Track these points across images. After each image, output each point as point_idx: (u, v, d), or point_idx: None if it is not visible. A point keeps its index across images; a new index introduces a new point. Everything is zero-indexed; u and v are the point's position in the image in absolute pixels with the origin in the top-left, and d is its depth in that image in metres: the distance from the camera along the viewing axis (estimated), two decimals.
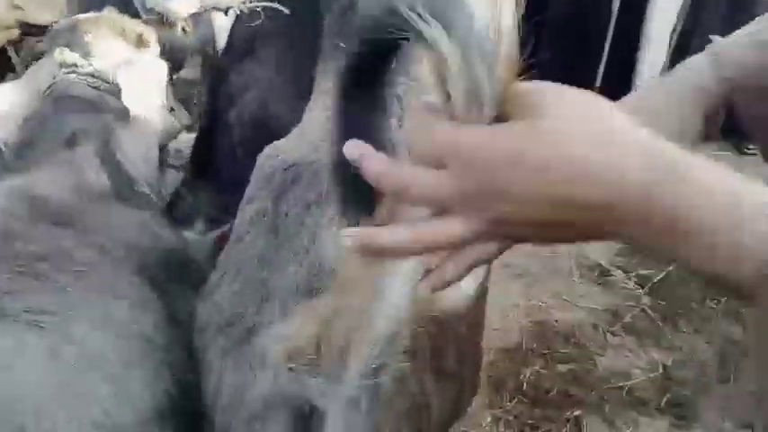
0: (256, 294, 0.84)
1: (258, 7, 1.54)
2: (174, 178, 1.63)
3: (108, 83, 1.27)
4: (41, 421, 0.69)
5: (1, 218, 0.92)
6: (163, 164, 1.92)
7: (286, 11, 1.53)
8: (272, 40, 1.60)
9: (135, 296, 0.92)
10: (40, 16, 1.54)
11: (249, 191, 0.96)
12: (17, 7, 1.49)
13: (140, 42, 1.42)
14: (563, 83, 0.44)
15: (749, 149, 2.97)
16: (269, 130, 1.62)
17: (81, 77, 1.24)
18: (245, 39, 1.58)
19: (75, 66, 1.23)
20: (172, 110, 1.58)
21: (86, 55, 1.29)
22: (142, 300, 0.92)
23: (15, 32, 1.44)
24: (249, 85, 1.63)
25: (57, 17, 1.55)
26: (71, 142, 1.14)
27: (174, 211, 1.60)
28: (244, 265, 0.88)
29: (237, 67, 1.65)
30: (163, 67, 1.53)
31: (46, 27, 1.45)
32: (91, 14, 1.41)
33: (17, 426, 0.67)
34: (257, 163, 0.98)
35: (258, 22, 1.54)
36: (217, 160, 1.67)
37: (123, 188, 1.18)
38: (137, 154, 1.28)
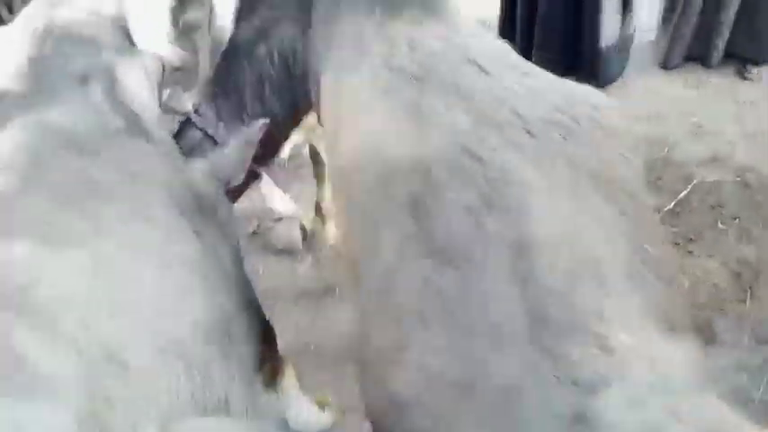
0: None
1: None
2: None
3: (104, 16, 1.22)
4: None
5: (27, 150, 0.90)
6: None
7: None
8: None
9: (168, 222, 0.90)
10: None
11: None
12: None
13: None
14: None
15: (749, 75, 2.95)
16: (297, 68, 1.63)
17: (77, 12, 1.19)
18: None
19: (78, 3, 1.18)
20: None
21: None
22: (176, 227, 0.91)
23: None
24: (280, 20, 1.59)
25: None
26: (83, 81, 1.10)
27: (182, 141, 1.58)
28: None
29: (268, 1, 1.60)
30: None
31: None
32: None
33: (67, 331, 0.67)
34: None
35: None
36: (241, 93, 1.64)
37: (135, 128, 1.15)
38: (141, 92, 1.24)
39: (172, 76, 1.73)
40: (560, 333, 0.68)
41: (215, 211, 1.09)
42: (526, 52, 2.78)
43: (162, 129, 1.24)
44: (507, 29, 3.02)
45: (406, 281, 0.79)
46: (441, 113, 0.89)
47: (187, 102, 2.05)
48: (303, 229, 2.52)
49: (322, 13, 1.33)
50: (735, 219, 2.28)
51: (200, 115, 1.66)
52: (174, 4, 1.41)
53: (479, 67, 0.95)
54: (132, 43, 1.28)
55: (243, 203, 2.02)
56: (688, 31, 2.92)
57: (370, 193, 0.89)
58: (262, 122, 1.47)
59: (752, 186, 2.44)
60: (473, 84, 0.92)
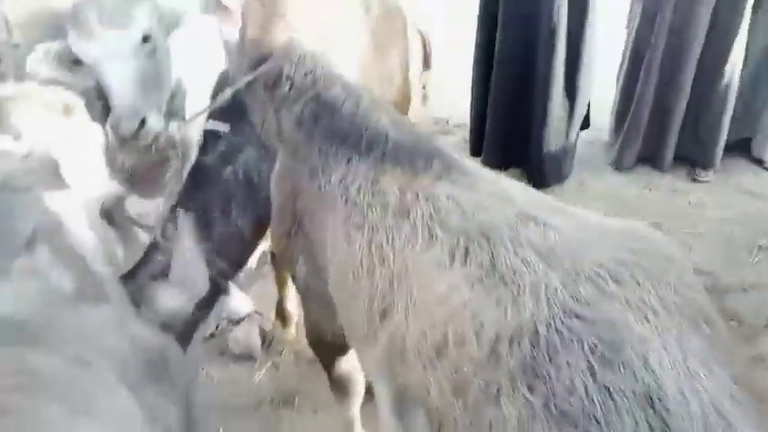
0: None
1: None
2: (143, 238, 1.58)
3: (45, 161, 1.20)
4: None
5: None
6: (124, 225, 1.89)
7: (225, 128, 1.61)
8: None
9: (117, 409, 0.86)
10: None
11: None
12: None
13: (67, 110, 1.36)
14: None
15: (701, 177, 3.09)
16: (262, 186, 1.65)
17: (17, 164, 1.17)
18: (235, 102, 1.57)
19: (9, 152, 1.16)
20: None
21: (17, 137, 1.22)
22: (126, 413, 0.87)
23: None
24: (244, 145, 1.65)
25: None
26: (30, 244, 1.07)
27: (147, 267, 1.57)
28: None
29: (234, 126, 1.66)
30: (97, 130, 1.48)
31: None
32: (9, 90, 1.33)
33: None
34: None
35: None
36: (208, 212, 1.67)
37: (88, 286, 1.12)
38: (86, 237, 1.22)
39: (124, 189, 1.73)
40: None
41: (166, 370, 1.04)
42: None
43: (108, 276, 1.19)
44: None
45: None
46: (523, 273, 0.87)
47: (146, 206, 2.05)
48: (263, 331, 2.45)
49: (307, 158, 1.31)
50: None
51: (165, 239, 1.65)
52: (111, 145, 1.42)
53: (534, 218, 0.95)
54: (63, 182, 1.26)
55: None
56: (639, 135, 3.08)
57: (475, 366, 0.84)
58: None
59: (708, 289, 2.48)
60: (539, 236, 0.91)
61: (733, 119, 2.97)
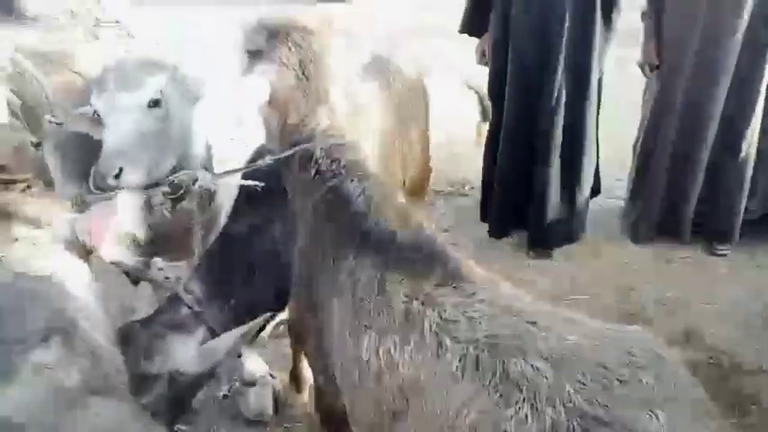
0: None
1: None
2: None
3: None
4: None
5: None
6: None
7: (260, 185, 1.68)
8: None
9: None
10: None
11: None
12: None
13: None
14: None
15: (719, 250, 3.08)
16: (286, 261, 1.70)
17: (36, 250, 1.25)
18: (271, 177, 1.66)
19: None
20: None
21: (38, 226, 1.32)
22: None
23: None
24: (273, 220, 1.77)
25: None
26: (45, 339, 1.12)
27: (169, 315, 1.65)
28: None
29: (267, 201, 1.76)
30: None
31: None
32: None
33: None
34: None
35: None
36: (232, 280, 1.76)
37: (97, 378, 1.16)
38: (98, 320, 1.28)
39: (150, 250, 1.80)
40: None
41: None
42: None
43: (116, 367, 1.24)
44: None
45: None
46: (535, 379, 0.92)
47: (173, 271, 2.13)
48: (276, 394, 2.46)
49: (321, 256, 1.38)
50: None
51: (189, 293, 1.72)
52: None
53: (536, 324, 1.00)
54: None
55: None
56: (655, 208, 3.11)
57: None
58: (263, 317, 1.54)
59: (726, 369, 2.46)
60: (545, 343, 0.96)
61: (753, 193, 2.98)
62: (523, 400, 0.90)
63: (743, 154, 2.89)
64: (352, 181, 1.36)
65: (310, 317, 1.43)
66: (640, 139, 3.16)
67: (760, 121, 2.87)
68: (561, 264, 3.11)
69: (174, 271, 2.00)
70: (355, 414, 1.24)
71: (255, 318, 1.79)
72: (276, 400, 2.44)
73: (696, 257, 3.10)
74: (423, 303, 1.09)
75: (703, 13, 2.71)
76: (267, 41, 1.42)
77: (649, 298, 2.82)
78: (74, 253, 1.40)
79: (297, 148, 1.43)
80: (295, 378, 2.42)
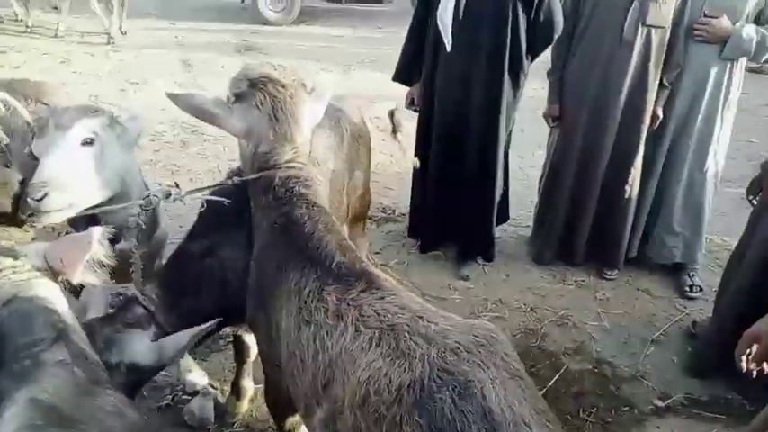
0: None
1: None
2: None
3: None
4: None
5: None
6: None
7: (227, 202, 1.89)
8: (245, 215, 1.93)
9: None
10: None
11: None
12: None
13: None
14: None
15: (607, 275, 3.59)
16: (231, 282, 1.96)
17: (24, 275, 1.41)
18: (224, 208, 1.90)
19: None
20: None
21: (17, 257, 1.43)
22: None
23: None
24: (225, 243, 1.97)
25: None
26: (56, 340, 1.32)
27: (126, 314, 1.83)
28: None
29: (218, 227, 1.98)
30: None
31: None
32: None
33: None
34: None
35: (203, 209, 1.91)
36: (182, 290, 1.94)
37: (92, 374, 1.36)
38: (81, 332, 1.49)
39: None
40: None
41: None
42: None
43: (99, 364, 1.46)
44: None
45: None
46: (414, 349, 1.35)
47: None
48: (216, 403, 2.66)
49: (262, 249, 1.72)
50: (593, 407, 2.70)
51: (145, 296, 1.92)
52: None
53: (421, 318, 1.43)
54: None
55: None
56: (556, 237, 3.59)
57: (387, 406, 1.30)
58: (211, 323, 1.77)
59: (607, 377, 2.91)
60: (424, 329, 1.39)
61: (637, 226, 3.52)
62: (406, 361, 1.33)
63: (626, 195, 3.41)
64: (300, 208, 1.69)
65: (262, 315, 1.73)
66: (544, 177, 3.64)
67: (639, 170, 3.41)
68: (476, 285, 3.52)
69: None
70: (297, 390, 1.57)
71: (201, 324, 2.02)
72: (217, 408, 2.65)
73: (588, 281, 3.60)
74: (348, 304, 1.48)
75: (597, 74, 3.21)
76: (248, 88, 1.74)
77: (546, 316, 3.27)
78: (46, 277, 1.56)
79: (260, 174, 1.74)
80: (236, 388, 2.64)
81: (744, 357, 1.64)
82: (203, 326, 1.83)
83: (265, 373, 1.91)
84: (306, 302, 1.53)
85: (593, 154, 3.35)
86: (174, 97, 1.79)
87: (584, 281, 3.59)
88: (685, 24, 3.11)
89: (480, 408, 1.21)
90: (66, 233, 1.88)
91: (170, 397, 2.71)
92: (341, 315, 1.46)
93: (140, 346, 1.81)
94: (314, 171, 1.88)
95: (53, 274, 1.54)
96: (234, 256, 1.95)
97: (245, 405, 2.65)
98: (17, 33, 8.04)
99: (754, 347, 1.61)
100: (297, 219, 1.67)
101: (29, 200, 1.73)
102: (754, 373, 1.64)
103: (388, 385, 1.30)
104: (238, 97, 1.76)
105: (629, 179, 3.38)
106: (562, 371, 2.90)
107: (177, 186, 1.95)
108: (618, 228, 3.50)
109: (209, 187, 1.97)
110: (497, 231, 3.89)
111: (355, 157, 2.59)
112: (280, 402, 1.87)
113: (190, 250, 2.01)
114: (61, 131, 1.91)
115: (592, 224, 3.53)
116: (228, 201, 1.90)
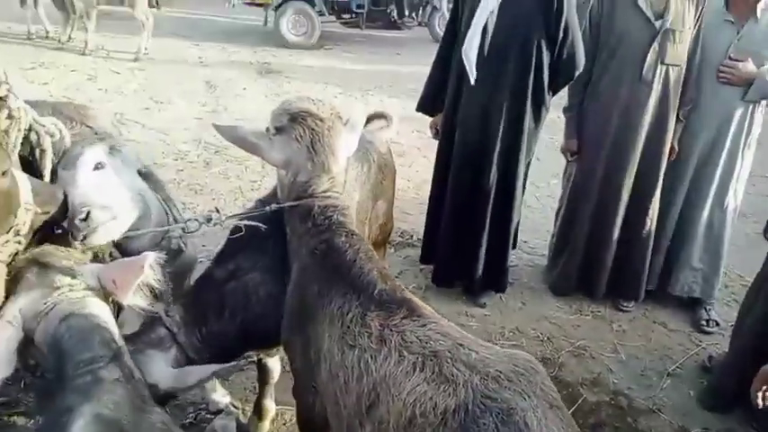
0: None
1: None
2: None
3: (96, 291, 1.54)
4: None
5: None
6: None
7: (263, 227, 1.94)
8: (273, 240, 1.99)
9: None
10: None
11: None
12: (45, 212, 1.73)
13: (81, 259, 1.65)
14: None
15: (624, 307, 3.63)
16: (255, 306, 2.01)
17: (80, 293, 1.50)
18: (252, 233, 1.97)
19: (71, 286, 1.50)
20: None
21: (74, 276, 1.53)
22: None
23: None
24: (252, 269, 2.02)
25: None
26: (113, 359, 1.40)
27: (149, 333, 1.88)
28: None
29: (244, 251, 2.03)
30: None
31: None
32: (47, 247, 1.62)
33: None
34: None
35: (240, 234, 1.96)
36: (205, 313, 1.99)
37: (140, 393, 1.44)
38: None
39: None
40: None
41: None
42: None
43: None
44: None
45: None
46: (457, 375, 1.42)
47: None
48: (238, 423, 2.71)
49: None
50: None
51: (168, 316, 1.98)
52: None
53: (461, 345, 1.50)
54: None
55: None
56: (575, 268, 3.63)
57: (432, 428, 1.38)
58: (237, 363, 1.83)
59: (624, 409, 2.94)
60: (465, 356, 1.47)
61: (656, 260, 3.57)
62: (450, 386, 1.40)
63: (645, 229, 3.47)
64: (341, 236, 1.76)
65: (299, 338, 1.79)
66: (562, 209, 3.69)
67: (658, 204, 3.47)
68: (493, 313, 3.56)
69: None
70: (338, 410, 1.62)
71: (222, 348, 2.03)
72: (239, 428, 2.70)
73: (604, 312, 3.63)
74: (391, 330, 1.55)
75: (618, 110, 3.28)
76: (288, 122, 1.83)
77: (563, 346, 3.31)
78: (98, 297, 1.64)
79: (300, 202, 1.82)
80: (259, 408, 2.69)
81: (760, 394, 1.68)
82: (229, 364, 1.89)
83: (298, 394, 1.96)
84: (349, 327, 1.60)
85: (614, 188, 3.41)
86: (218, 129, 1.88)
87: (600, 312, 3.63)
88: (697, 62, 3.20)
89: None
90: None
91: (193, 415, 2.76)
92: (384, 340, 1.53)
93: (160, 367, 1.86)
94: (347, 200, 1.96)
95: (104, 294, 1.62)
96: (258, 282, 2.00)
97: (266, 426, 2.69)
98: (47, 49, 8.28)
99: None
100: (338, 246, 1.74)
101: (76, 222, 1.81)
102: None
103: (433, 408, 1.37)
104: (279, 130, 1.85)
105: (650, 213, 3.44)
106: (579, 402, 2.92)
107: (218, 211, 2.03)
108: (639, 262, 3.54)
109: (247, 213, 2.04)
110: (513, 259, 3.95)
111: (379, 188, 2.66)
112: (312, 423, 1.92)
113: (215, 275, 2.06)
114: (73, 162, 1.98)
115: (612, 256, 3.57)
116: (265, 227, 1.97)
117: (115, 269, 1.64)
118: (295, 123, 1.82)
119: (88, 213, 1.86)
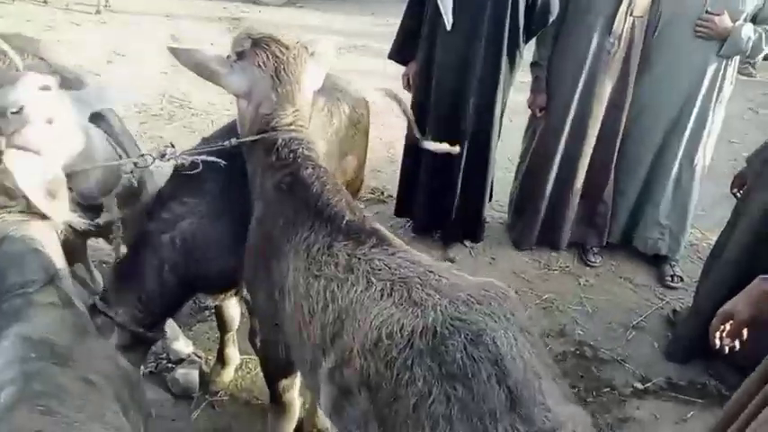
0: None
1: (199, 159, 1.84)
2: None
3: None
4: None
5: (18, 365, 1.11)
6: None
7: (223, 163, 1.84)
8: (213, 182, 1.92)
9: (117, 424, 1.14)
10: None
11: None
12: None
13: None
14: None
15: (591, 262, 3.65)
16: (199, 257, 1.92)
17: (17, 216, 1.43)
18: (187, 176, 1.87)
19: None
20: None
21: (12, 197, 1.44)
22: (122, 427, 1.16)
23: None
24: (186, 214, 1.91)
25: None
26: (49, 283, 1.32)
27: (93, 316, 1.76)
28: None
29: (179, 198, 1.93)
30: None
31: None
32: None
33: None
34: None
35: (197, 170, 1.84)
36: (142, 278, 1.90)
37: (81, 320, 1.37)
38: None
39: None
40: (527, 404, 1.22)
41: (140, 396, 1.35)
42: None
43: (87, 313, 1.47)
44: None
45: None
46: (426, 299, 1.38)
47: None
48: (201, 372, 2.65)
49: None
50: (575, 388, 2.75)
51: (105, 302, 1.89)
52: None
53: (432, 272, 1.46)
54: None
55: None
56: (537, 222, 3.64)
57: (399, 350, 1.34)
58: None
59: (589, 359, 2.97)
60: (436, 282, 1.43)
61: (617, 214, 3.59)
62: (418, 308, 1.36)
63: (611, 177, 3.48)
64: (307, 169, 1.68)
65: (263, 273, 1.72)
66: (525, 164, 3.65)
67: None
68: (462, 268, 3.51)
69: None
70: (302, 345, 1.58)
71: (165, 307, 1.99)
72: (201, 377, 2.64)
73: (572, 267, 3.65)
74: (359, 259, 1.50)
75: (587, 64, 3.23)
76: (251, 47, 1.71)
77: (531, 300, 3.31)
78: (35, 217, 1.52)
79: (263, 135, 1.72)
80: (222, 357, 2.63)
81: (717, 333, 1.69)
82: None
83: (261, 334, 1.91)
84: (315, 258, 1.55)
85: (579, 143, 3.40)
86: (175, 51, 1.76)
87: (568, 267, 3.65)
88: (664, 15, 3.17)
89: (491, 354, 1.25)
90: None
91: (154, 364, 2.69)
92: (352, 268, 1.48)
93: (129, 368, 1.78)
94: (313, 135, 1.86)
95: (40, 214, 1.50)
96: (195, 226, 1.91)
97: (230, 374, 2.64)
98: None
99: (728, 325, 1.65)
100: (304, 179, 1.66)
101: (7, 115, 1.62)
102: (726, 349, 1.68)
103: (400, 330, 1.33)
104: (240, 55, 1.74)
105: (613, 162, 3.46)
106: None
107: (173, 146, 1.92)
108: (601, 209, 3.57)
109: (204, 148, 1.93)
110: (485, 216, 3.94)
111: (349, 142, 2.58)
112: (274, 363, 1.87)
113: (148, 228, 1.94)
114: (14, 78, 1.79)
115: (575, 208, 3.58)
116: (224, 162, 1.87)
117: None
118: (258, 49, 1.72)
119: (22, 108, 1.66)
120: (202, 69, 1.75)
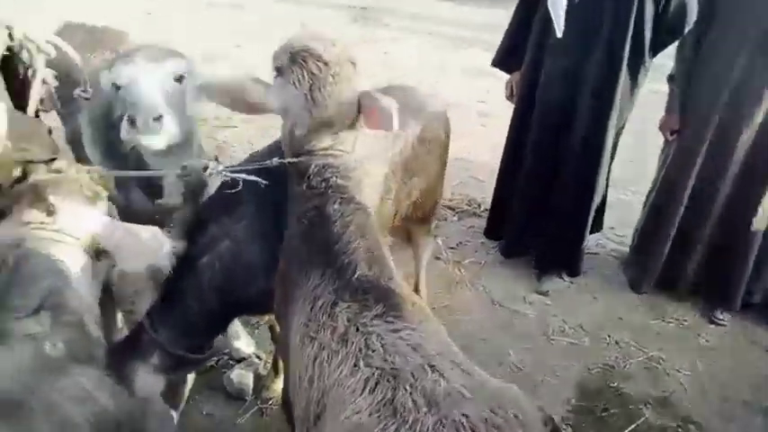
0: None
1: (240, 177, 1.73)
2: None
3: (73, 237, 1.40)
4: None
5: None
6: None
7: (263, 183, 1.69)
8: (249, 204, 1.82)
9: None
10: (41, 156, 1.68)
11: None
12: (22, 149, 1.62)
13: (95, 197, 1.54)
14: None
15: (719, 320, 3.08)
16: (236, 280, 1.83)
17: (48, 233, 1.38)
18: (227, 197, 1.78)
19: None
20: None
21: (50, 213, 1.41)
22: None
23: (19, 171, 1.54)
24: (224, 237, 1.84)
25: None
26: (37, 311, 1.26)
27: (135, 344, 1.78)
28: None
29: (217, 220, 1.86)
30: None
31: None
32: (50, 175, 1.51)
33: None
34: None
35: (238, 188, 1.73)
36: (184, 299, 1.84)
37: (81, 348, 1.30)
38: (85, 292, 1.41)
39: None
40: None
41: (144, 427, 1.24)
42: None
43: (98, 338, 1.38)
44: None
45: None
46: (410, 411, 1.13)
47: None
48: (258, 375, 2.60)
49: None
50: None
51: (151, 320, 1.84)
52: None
53: (433, 368, 1.20)
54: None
55: None
56: (659, 262, 3.13)
57: None
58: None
59: None
60: (431, 384, 1.17)
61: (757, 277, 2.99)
62: (394, 423, 1.11)
63: (753, 225, 2.89)
64: (333, 203, 1.50)
65: (283, 310, 1.58)
66: (653, 194, 3.17)
67: None
68: (555, 304, 3.16)
69: None
70: (296, 404, 1.42)
71: (209, 331, 1.93)
72: (258, 380, 2.59)
73: (692, 321, 3.10)
74: (357, 329, 1.29)
75: (732, 81, 2.71)
76: (288, 62, 1.54)
77: (634, 354, 2.86)
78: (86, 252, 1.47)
79: (295, 159, 1.56)
80: (276, 366, 2.55)
81: None
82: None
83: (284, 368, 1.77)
84: (316, 315, 1.37)
85: (715, 176, 2.87)
86: (208, 88, 1.67)
87: (686, 320, 3.11)
88: None
89: None
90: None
91: (215, 360, 2.68)
92: (347, 341, 1.28)
93: (144, 383, 1.77)
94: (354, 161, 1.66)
95: (95, 252, 1.48)
96: (233, 249, 1.83)
97: (281, 384, 2.56)
98: None
99: None
100: (328, 215, 1.48)
101: (148, 122, 1.73)
102: None
103: None
104: (279, 71, 1.57)
105: (759, 207, 2.86)
106: (638, 423, 2.51)
107: (217, 160, 1.84)
108: (737, 262, 2.99)
109: (246, 166, 1.82)
110: (595, 246, 3.50)
111: (418, 162, 2.34)
112: (286, 404, 1.72)
113: (189, 253, 1.86)
114: (154, 63, 1.90)
115: (706, 254, 3.04)
116: (266, 182, 1.75)
117: (126, 235, 1.50)
118: (294, 65, 1.53)
119: (161, 115, 1.80)
120: (240, 98, 1.62)
